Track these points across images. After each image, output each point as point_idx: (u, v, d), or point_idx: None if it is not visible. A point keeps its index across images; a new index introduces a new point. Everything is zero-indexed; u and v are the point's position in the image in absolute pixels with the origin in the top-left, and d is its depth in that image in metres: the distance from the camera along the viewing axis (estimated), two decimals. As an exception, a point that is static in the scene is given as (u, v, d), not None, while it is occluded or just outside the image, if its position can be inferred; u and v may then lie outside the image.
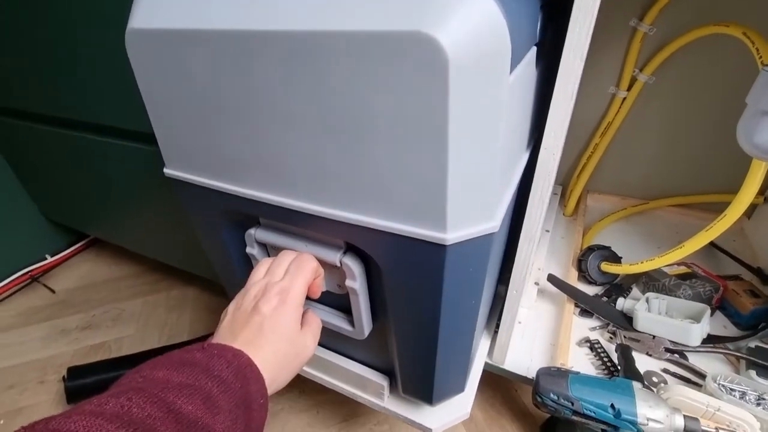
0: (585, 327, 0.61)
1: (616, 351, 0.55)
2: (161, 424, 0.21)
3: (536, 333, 0.61)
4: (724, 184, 0.78)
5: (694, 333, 0.54)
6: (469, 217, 0.30)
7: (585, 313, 0.63)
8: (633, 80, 0.74)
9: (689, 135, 0.77)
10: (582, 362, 0.56)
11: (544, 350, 0.58)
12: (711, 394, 0.46)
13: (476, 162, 0.28)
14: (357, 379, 0.50)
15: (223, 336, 0.31)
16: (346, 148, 0.29)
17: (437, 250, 0.30)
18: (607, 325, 0.60)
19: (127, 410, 0.21)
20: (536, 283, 0.67)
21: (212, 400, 0.24)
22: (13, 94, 0.72)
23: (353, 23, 0.24)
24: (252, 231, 0.41)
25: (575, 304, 0.63)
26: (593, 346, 0.57)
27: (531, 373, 0.54)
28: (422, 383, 0.45)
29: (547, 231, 0.79)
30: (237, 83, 0.31)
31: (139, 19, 0.33)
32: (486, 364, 0.56)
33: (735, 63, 0.67)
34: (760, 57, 0.48)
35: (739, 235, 0.77)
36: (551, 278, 0.63)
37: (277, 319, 0.31)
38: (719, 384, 0.47)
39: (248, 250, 0.43)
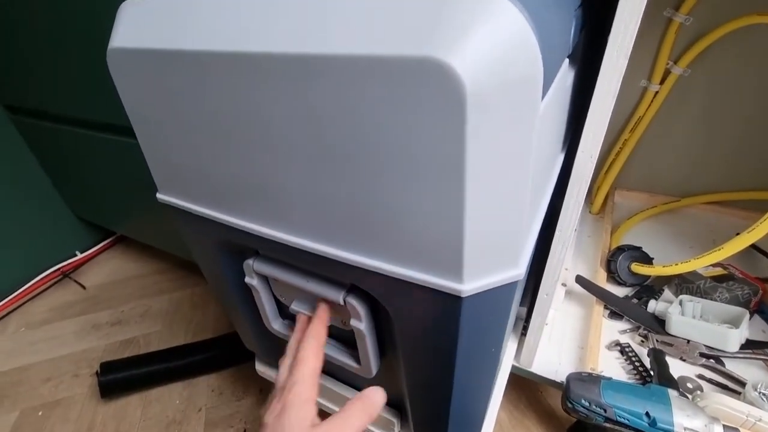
0: (615, 330, 0.60)
1: (648, 355, 0.54)
2: None
3: (564, 335, 0.60)
4: (761, 180, 0.74)
5: (733, 338, 0.52)
6: (489, 264, 0.26)
7: (614, 315, 0.61)
8: (666, 73, 0.71)
9: (724, 130, 0.74)
10: (612, 366, 0.55)
11: (573, 353, 0.57)
12: (751, 403, 0.45)
13: (499, 204, 0.24)
14: None
15: None
16: (348, 182, 0.26)
17: (452, 301, 0.27)
18: (638, 328, 0.59)
19: None
20: (563, 284, 0.65)
21: None
22: (44, 96, 0.74)
23: (356, 46, 0.21)
24: (250, 261, 0.38)
25: (604, 306, 0.62)
26: (624, 350, 0.56)
27: (559, 377, 0.53)
28: (435, 429, 0.41)
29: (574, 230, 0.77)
30: (227, 107, 0.28)
31: (121, 38, 0.30)
32: (513, 366, 0.56)
33: (778, 53, 0.64)
34: (811, 49, 0.45)
35: (778, 234, 0.73)
36: (579, 279, 0.62)
37: (277, 427, 0.28)
38: (760, 392, 0.46)
39: (247, 280, 0.40)
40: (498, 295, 0.28)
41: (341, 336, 0.41)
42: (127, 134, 0.67)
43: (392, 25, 0.20)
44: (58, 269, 1.00)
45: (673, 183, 0.82)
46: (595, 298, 0.62)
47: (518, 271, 0.28)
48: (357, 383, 0.47)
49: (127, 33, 0.30)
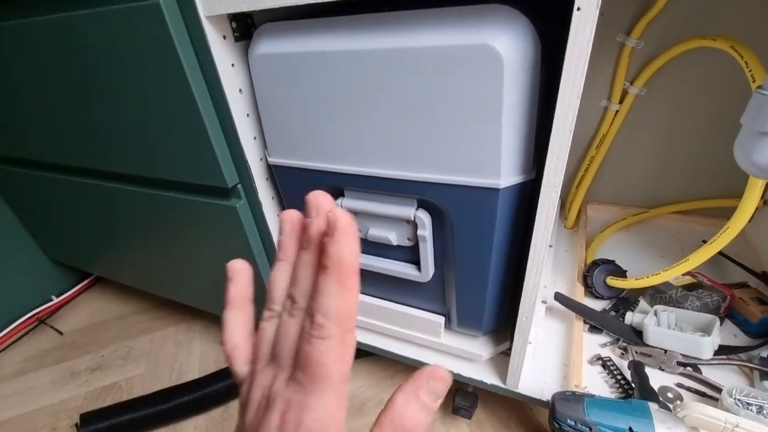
0: (596, 343, 0.61)
1: (628, 368, 0.55)
2: None
3: (547, 352, 0.61)
4: (721, 188, 0.79)
5: (706, 346, 0.54)
6: (514, 169, 0.41)
7: (594, 329, 0.63)
8: (624, 93, 0.75)
9: (682, 144, 0.78)
10: (595, 381, 0.56)
11: (557, 370, 0.58)
12: (728, 410, 0.47)
13: (519, 130, 0.39)
14: (416, 322, 0.61)
15: None
16: (427, 126, 0.41)
17: (493, 193, 0.42)
18: (618, 340, 0.60)
19: None
20: (543, 302, 0.67)
21: None
22: (15, 142, 0.73)
23: (438, 40, 0.36)
24: (338, 201, 0.52)
25: (584, 320, 0.63)
26: (605, 364, 0.57)
27: (546, 396, 0.54)
28: (475, 314, 0.55)
29: (550, 246, 0.79)
30: (344, 87, 0.42)
31: (264, 48, 0.45)
32: (500, 388, 0.57)
33: (724, 71, 0.68)
34: (750, 71, 0.49)
35: (741, 239, 0.77)
36: (558, 296, 0.64)
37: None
38: (735, 398, 0.47)
39: None
40: (519, 189, 0.43)
41: (403, 257, 0.55)
42: (105, 178, 0.67)
43: (458, 26, 0.36)
44: (34, 315, 0.97)
45: (641, 195, 0.86)
46: (574, 313, 0.63)
47: (531, 174, 0.43)
48: (408, 302, 0.62)
49: (269, 44, 0.44)
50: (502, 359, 0.59)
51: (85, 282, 1.08)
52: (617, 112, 0.76)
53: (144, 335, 0.93)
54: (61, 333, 0.96)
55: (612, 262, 0.69)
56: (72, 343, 0.94)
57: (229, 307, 0.23)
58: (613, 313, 0.65)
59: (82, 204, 0.76)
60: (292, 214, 0.22)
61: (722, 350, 0.56)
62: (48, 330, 0.97)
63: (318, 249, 0.20)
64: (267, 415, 0.18)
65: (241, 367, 0.21)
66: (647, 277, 0.59)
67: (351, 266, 0.18)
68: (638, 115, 0.77)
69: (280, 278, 0.22)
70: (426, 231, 0.48)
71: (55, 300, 1.01)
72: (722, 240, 0.52)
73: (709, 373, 0.55)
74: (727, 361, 0.55)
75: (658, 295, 0.64)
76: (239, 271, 0.23)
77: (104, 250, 0.87)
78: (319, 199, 0.21)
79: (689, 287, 0.63)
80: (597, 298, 0.68)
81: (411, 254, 0.54)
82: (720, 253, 0.71)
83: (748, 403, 0.47)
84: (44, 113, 0.63)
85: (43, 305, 0.99)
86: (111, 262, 0.90)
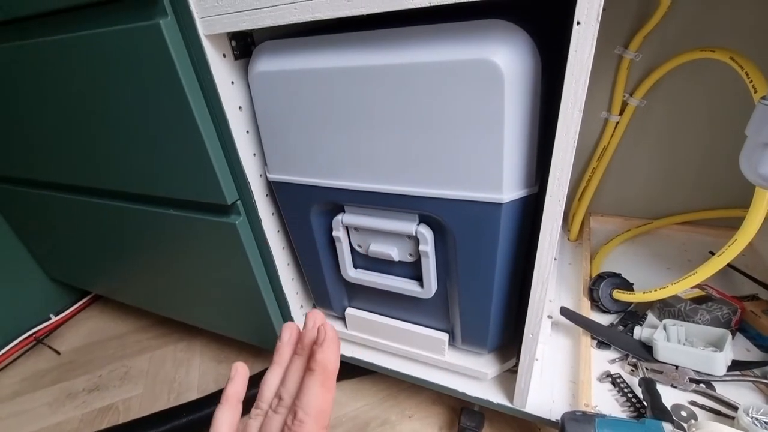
0: (604, 360, 0.60)
1: (639, 385, 0.54)
2: None
3: (555, 370, 0.59)
4: (726, 197, 0.78)
5: (719, 362, 0.52)
6: (516, 184, 0.41)
7: (602, 344, 0.61)
8: (624, 104, 0.75)
9: (684, 154, 0.77)
10: (606, 400, 0.54)
11: (565, 388, 0.56)
12: (745, 429, 0.45)
13: (521, 144, 0.39)
14: (420, 340, 0.59)
15: None
16: (428, 141, 0.41)
17: (496, 208, 0.41)
18: (627, 356, 0.59)
19: None
20: (549, 317, 0.66)
21: None
22: (14, 161, 0.73)
23: (440, 56, 0.36)
24: (339, 217, 0.52)
25: (591, 336, 0.62)
26: (615, 381, 0.56)
27: (554, 415, 0.52)
28: (479, 330, 0.53)
29: (555, 259, 0.78)
30: (344, 103, 0.42)
31: (264, 65, 0.45)
32: (507, 408, 0.55)
33: (724, 81, 0.68)
34: (752, 82, 0.48)
35: (750, 250, 0.76)
36: (564, 311, 0.62)
37: None
38: (752, 417, 0.46)
39: (334, 233, 0.53)
40: (522, 203, 0.42)
41: (405, 274, 0.54)
42: (106, 197, 0.67)
43: (460, 42, 0.36)
44: (31, 335, 0.96)
45: (644, 206, 0.85)
46: (581, 328, 0.62)
47: (533, 188, 0.42)
48: (412, 319, 0.60)
49: (269, 61, 0.45)
50: (508, 377, 0.58)
51: (84, 300, 1.07)
52: (618, 123, 0.76)
53: (143, 354, 0.92)
54: (58, 353, 0.95)
55: (618, 275, 0.67)
56: (69, 363, 0.92)
57: (222, 404, 0.26)
58: (620, 327, 0.63)
59: (81, 222, 0.75)
60: (293, 326, 0.28)
61: (735, 366, 0.54)
62: (45, 350, 0.96)
63: (307, 356, 0.25)
64: None
65: None
66: (655, 290, 0.58)
67: (333, 371, 0.23)
68: (639, 126, 0.77)
69: (272, 380, 0.26)
70: (428, 246, 0.48)
71: (54, 319, 1.00)
72: (730, 252, 0.51)
73: (722, 389, 0.53)
74: (741, 378, 0.53)
75: (667, 308, 0.62)
76: (240, 372, 0.27)
77: (103, 268, 0.86)
78: (316, 315, 0.27)
79: (698, 300, 0.62)
80: (604, 312, 0.67)
81: (413, 270, 0.53)
82: (728, 265, 0.70)
83: (766, 422, 0.45)
84: (44, 132, 0.63)
85: (41, 324, 0.97)
86: (110, 281, 0.89)
